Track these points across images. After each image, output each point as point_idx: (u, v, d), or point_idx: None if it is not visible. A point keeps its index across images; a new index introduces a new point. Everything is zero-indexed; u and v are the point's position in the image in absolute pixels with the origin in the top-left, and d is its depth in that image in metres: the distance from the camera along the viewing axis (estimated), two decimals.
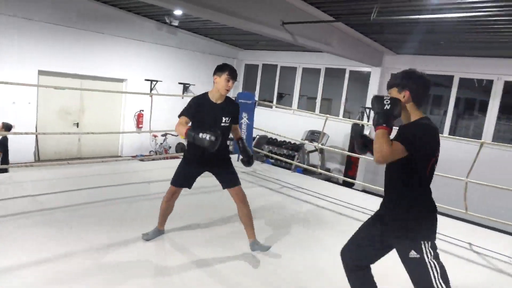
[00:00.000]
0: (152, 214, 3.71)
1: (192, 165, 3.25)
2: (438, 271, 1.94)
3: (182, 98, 10.72)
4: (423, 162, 1.99)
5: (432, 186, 2.10)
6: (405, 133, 1.99)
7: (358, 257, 2.26)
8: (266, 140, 10.47)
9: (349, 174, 9.26)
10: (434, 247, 1.99)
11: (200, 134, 2.66)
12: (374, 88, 9.56)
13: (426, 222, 2.04)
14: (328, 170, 10.06)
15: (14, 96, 7.99)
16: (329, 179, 7.96)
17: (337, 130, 9.67)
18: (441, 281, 1.92)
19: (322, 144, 8.12)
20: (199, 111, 3.06)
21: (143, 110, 10.06)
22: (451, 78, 8.56)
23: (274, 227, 4.14)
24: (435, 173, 2.10)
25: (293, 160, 9.21)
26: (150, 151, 10.46)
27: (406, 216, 2.04)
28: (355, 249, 2.26)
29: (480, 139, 6.53)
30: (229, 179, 3.27)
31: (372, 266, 2.29)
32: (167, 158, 8.95)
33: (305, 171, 8.26)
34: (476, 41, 7.20)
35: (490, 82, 8.08)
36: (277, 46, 10.37)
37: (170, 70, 10.70)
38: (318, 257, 3.50)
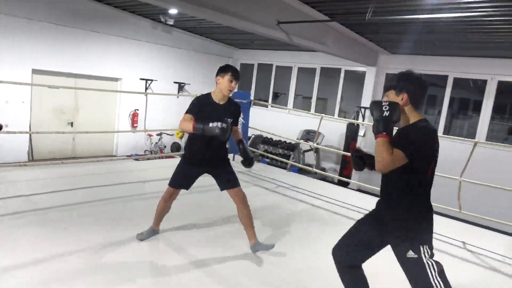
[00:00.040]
0: (147, 214, 3.70)
1: (192, 166, 3.25)
2: (436, 269, 1.95)
3: (177, 97, 10.69)
4: (424, 167, 1.99)
5: None
6: (405, 138, 1.97)
7: (351, 256, 2.26)
8: (262, 140, 10.46)
9: (344, 173, 9.28)
10: (431, 247, 2.01)
11: (210, 124, 2.69)
12: (369, 87, 9.59)
13: (425, 223, 2.05)
14: (324, 169, 10.08)
15: (8, 95, 7.92)
16: (324, 179, 7.98)
17: (333, 129, 9.69)
18: (439, 279, 1.94)
19: (317, 144, 8.14)
20: (202, 111, 3.03)
21: (138, 110, 10.01)
22: (445, 78, 8.61)
23: (270, 226, 4.14)
24: None
25: (288, 159, 9.21)
26: (145, 151, 10.42)
27: (406, 216, 2.04)
28: (348, 249, 2.26)
29: (474, 139, 6.57)
30: (228, 180, 3.27)
31: (363, 264, 2.30)
32: (162, 157, 8.92)
33: (301, 171, 8.27)
34: (470, 41, 7.24)
35: (484, 82, 8.13)
36: (273, 45, 10.37)
37: (165, 69, 10.66)
38: (314, 256, 3.51)
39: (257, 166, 6.96)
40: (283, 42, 7.33)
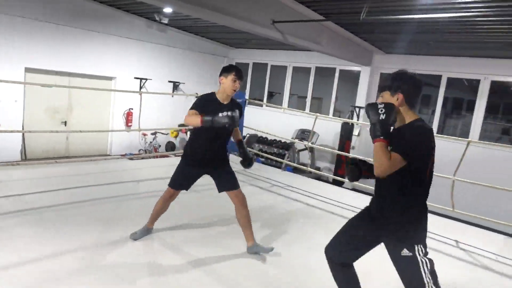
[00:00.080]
0: (142, 213, 3.69)
1: (192, 167, 3.24)
2: (429, 268, 1.97)
3: (172, 96, 10.65)
4: (421, 167, 1.99)
5: None
6: (401, 139, 1.95)
7: (343, 254, 2.26)
8: (257, 139, 10.47)
9: (339, 172, 9.31)
10: (425, 245, 2.02)
11: (220, 114, 2.73)
12: (364, 87, 9.63)
13: (421, 222, 2.05)
14: (318, 168, 10.11)
15: (0, 94, 7.84)
16: (319, 178, 8.00)
17: (327, 129, 9.72)
18: (429, 276, 1.96)
19: (312, 143, 8.16)
20: (207, 109, 3.00)
21: (132, 109, 9.96)
22: (439, 77, 8.67)
23: (265, 225, 4.14)
24: None
25: (283, 159, 9.23)
26: (140, 150, 10.37)
27: (402, 217, 2.04)
28: (341, 247, 2.26)
29: (467, 138, 6.62)
30: (228, 180, 3.27)
31: (356, 263, 2.30)
32: (156, 157, 8.88)
33: (295, 170, 8.29)
34: (464, 42, 7.29)
35: (477, 81, 8.19)
36: (268, 45, 10.37)
37: (160, 68, 10.62)
38: (309, 255, 3.52)
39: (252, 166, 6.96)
40: (278, 42, 7.34)
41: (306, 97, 10.91)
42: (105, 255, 3.15)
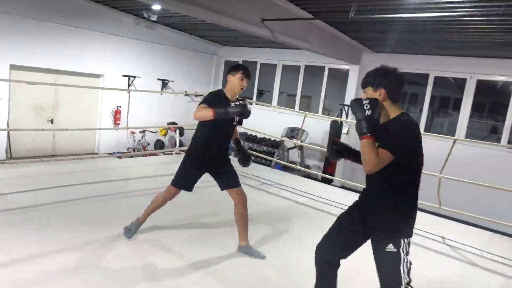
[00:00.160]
0: (131, 212, 3.65)
1: (195, 167, 3.22)
2: (408, 267, 1.99)
3: (161, 94, 10.57)
4: (410, 162, 1.99)
5: None
6: (386, 134, 1.95)
7: (335, 254, 2.25)
8: (246, 137, 10.46)
9: (328, 170, 9.36)
10: (409, 243, 2.04)
11: (232, 104, 2.83)
12: (352, 86, 9.69)
13: (409, 219, 2.06)
14: (307, 166, 10.15)
15: None
16: (308, 176, 8.02)
17: (316, 127, 9.75)
18: (406, 277, 1.98)
19: (301, 141, 8.18)
20: (217, 105, 2.90)
21: (120, 107, 9.86)
22: (426, 76, 8.77)
23: (254, 223, 4.13)
24: None
25: (272, 157, 9.24)
26: (128, 148, 10.28)
27: (394, 212, 2.04)
28: (333, 247, 2.25)
29: (454, 136, 6.72)
30: (228, 179, 3.27)
31: (342, 261, 2.27)
32: (145, 155, 8.81)
33: (285, 168, 8.31)
34: (450, 41, 7.39)
35: (464, 80, 8.32)
36: (257, 43, 10.36)
37: (149, 66, 10.52)
38: (299, 253, 3.53)
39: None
40: (267, 40, 7.33)
41: (295, 95, 10.93)
42: (93, 256, 3.10)
